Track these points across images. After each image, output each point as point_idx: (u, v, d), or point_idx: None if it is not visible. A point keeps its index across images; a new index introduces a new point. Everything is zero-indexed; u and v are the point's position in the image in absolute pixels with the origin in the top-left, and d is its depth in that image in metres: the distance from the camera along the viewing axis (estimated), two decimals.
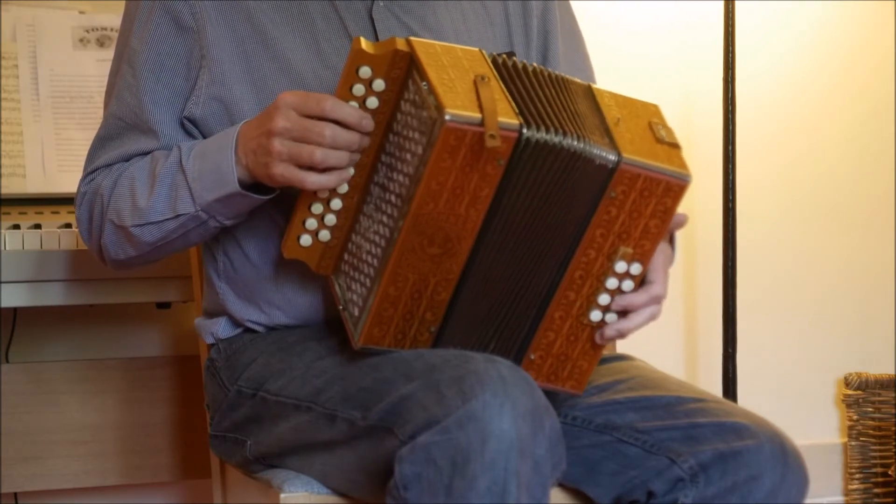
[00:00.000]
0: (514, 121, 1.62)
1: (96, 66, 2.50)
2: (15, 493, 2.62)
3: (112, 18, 2.52)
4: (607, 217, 1.67)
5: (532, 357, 1.74)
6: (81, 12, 2.55)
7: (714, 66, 2.89)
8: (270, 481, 1.86)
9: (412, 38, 1.66)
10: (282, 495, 1.82)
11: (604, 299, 1.71)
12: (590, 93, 1.73)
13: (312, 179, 1.68)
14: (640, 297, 1.72)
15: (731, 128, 2.86)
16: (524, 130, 1.62)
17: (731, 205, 2.86)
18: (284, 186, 1.72)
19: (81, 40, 2.51)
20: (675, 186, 1.66)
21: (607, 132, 1.67)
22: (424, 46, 1.66)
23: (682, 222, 1.76)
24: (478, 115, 1.59)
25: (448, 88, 1.61)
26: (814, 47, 3.16)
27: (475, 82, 1.63)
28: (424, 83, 1.62)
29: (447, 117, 1.58)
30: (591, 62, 2.05)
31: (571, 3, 2.06)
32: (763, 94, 3.11)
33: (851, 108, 3.20)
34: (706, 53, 3.00)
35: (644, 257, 1.69)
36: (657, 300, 1.74)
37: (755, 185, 3.10)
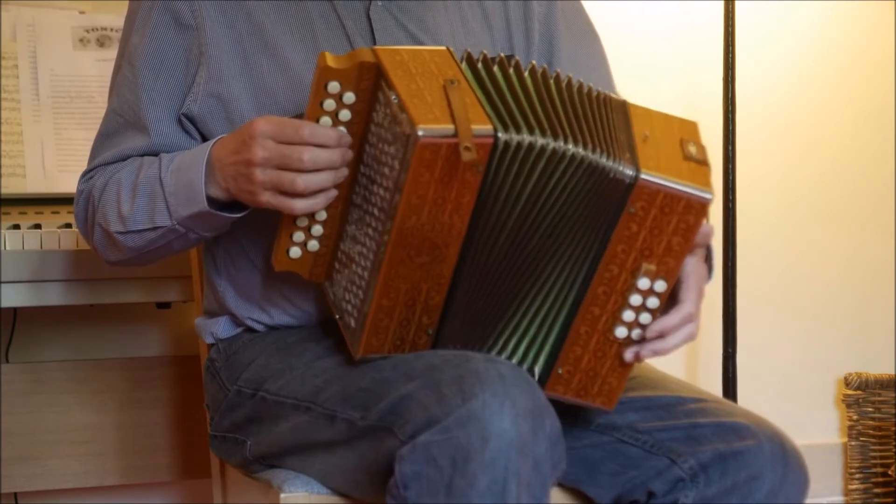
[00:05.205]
0: (488, 126, 1.59)
1: (96, 66, 2.49)
2: (15, 493, 2.62)
3: (112, 18, 2.52)
4: (628, 233, 1.65)
5: (560, 371, 1.73)
6: (81, 12, 2.54)
7: (714, 66, 2.89)
8: (270, 481, 1.86)
9: (377, 48, 1.64)
10: (282, 495, 1.82)
11: (628, 316, 1.69)
12: (623, 108, 1.71)
13: (300, 205, 1.67)
14: (672, 318, 1.71)
15: (731, 128, 2.86)
16: (499, 135, 1.60)
17: (731, 204, 2.86)
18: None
19: (81, 40, 2.51)
20: (696, 204, 1.64)
21: (631, 148, 1.65)
22: (390, 55, 1.64)
23: (708, 233, 1.74)
24: (450, 127, 1.57)
25: (419, 100, 1.59)
26: (814, 47, 3.16)
27: (445, 88, 1.62)
28: (394, 96, 1.60)
29: (420, 133, 1.56)
30: (608, 63, 2.04)
31: None
32: (763, 94, 3.11)
33: (851, 108, 3.20)
34: (706, 53, 3.00)
35: (668, 275, 1.68)
36: (690, 319, 1.73)
37: (755, 185, 3.10)
